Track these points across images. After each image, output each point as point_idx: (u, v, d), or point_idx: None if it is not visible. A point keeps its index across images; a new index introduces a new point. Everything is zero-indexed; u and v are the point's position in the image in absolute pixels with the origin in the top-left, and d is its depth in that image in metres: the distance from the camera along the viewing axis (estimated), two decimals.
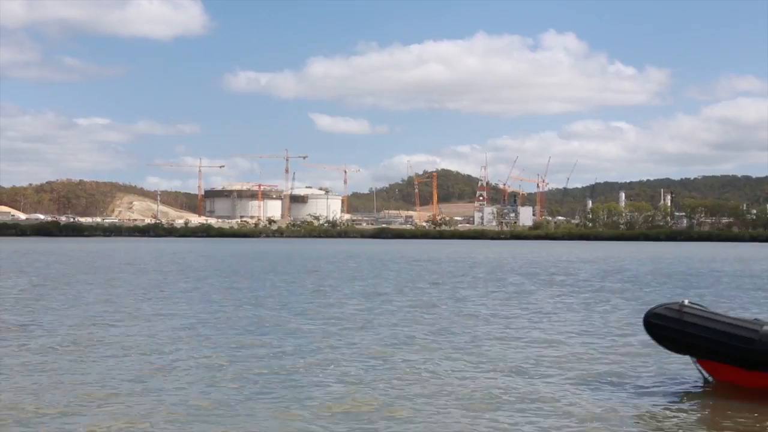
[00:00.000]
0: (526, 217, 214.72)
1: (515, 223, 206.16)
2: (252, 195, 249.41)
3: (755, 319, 10.81)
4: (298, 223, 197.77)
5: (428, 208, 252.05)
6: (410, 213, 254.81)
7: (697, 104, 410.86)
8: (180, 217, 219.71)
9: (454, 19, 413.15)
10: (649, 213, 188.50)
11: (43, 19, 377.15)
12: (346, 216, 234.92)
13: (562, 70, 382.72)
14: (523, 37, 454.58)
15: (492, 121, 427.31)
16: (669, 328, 9.43)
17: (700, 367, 9.78)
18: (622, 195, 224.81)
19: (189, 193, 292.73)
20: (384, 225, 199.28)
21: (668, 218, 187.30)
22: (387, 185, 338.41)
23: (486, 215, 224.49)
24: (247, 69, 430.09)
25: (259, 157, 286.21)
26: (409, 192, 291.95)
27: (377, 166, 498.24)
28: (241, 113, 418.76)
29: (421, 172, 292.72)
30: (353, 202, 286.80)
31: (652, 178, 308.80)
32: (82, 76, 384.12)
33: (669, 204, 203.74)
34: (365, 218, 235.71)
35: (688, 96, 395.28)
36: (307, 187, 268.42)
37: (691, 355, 9.68)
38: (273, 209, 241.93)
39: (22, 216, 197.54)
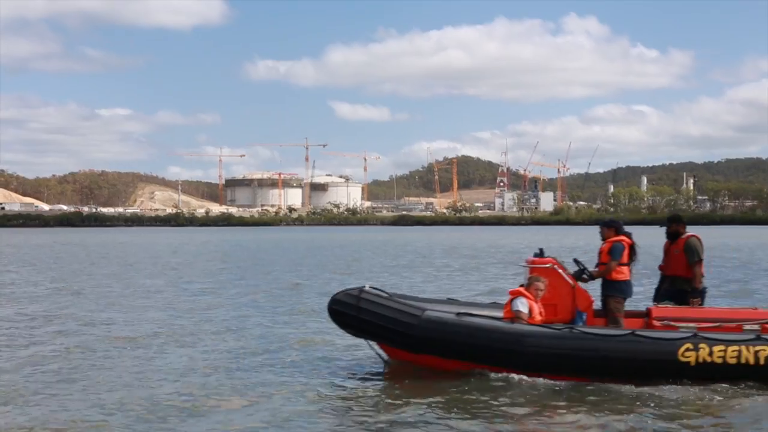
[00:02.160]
0: (547, 202, 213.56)
1: (536, 208, 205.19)
2: (272, 183, 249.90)
3: (449, 298, 11.38)
4: (318, 211, 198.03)
5: (448, 195, 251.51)
6: (430, 200, 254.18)
7: (720, 86, 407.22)
8: (201, 207, 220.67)
9: (474, 5, 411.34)
10: (671, 197, 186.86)
11: (64, 11, 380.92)
12: (367, 203, 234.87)
13: (584, 54, 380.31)
14: (543, 21, 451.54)
15: (512, 106, 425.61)
16: (347, 314, 9.65)
17: (380, 351, 10.08)
18: (644, 179, 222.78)
19: (210, 183, 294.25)
20: (404, 212, 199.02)
21: (691, 202, 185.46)
22: (407, 172, 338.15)
23: (507, 201, 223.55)
24: (266, 57, 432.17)
25: (279, 146, 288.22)
26: (429, 179, 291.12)
27: (397, 153, 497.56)
28: (261, 102, 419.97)
29: (441, 159, 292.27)
30: (373, 189, 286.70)
31: (674, 162, 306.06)
32: (103, 67, 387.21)
33: (691, 188, 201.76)
34: (385, 206, 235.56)
35: (712, 78, 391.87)
36: (327, 175, 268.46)
37: (367, 338, 9.96)
38: (293, 197, 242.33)
39: (46, 207, 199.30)
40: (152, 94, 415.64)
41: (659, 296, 10.43)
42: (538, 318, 9.35)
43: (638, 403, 8.40)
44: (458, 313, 9.48)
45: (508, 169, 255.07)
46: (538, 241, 64.19)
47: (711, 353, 8.72)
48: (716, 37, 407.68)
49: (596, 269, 10.04)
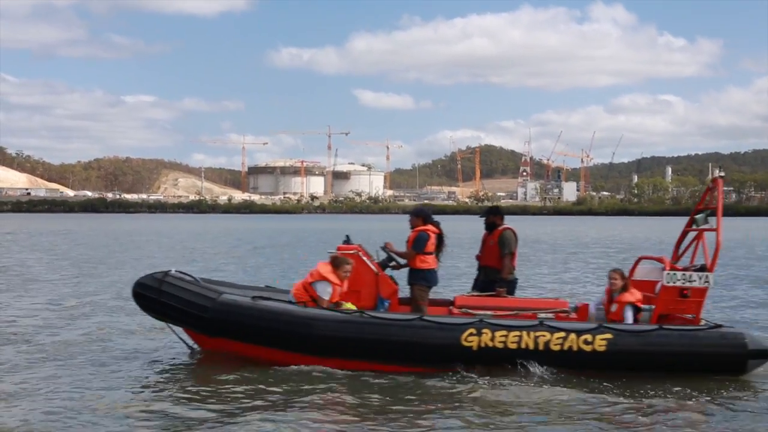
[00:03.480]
0: (570, 192, 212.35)
1: (558, 198, 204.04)
2: (295, 171, 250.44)
3: (267, 286, 11.31)
4: (340, 199, 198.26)
5: (471, 184, 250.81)
6: (453, 189, 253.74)
7: (749, 76, 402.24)
8: (224, 194, 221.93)
9: None
10: (695, 188, 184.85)
11: None
12: (389, 192, 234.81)
13: (610, 43, 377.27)
14: (569, 9, 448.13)
15: (537, 95, 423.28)
16: (149, 297, 9.58)
17: (186, 338, 10.05)
18: (669, 170, 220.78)
19: (233, 170, 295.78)
20: (426, 201, 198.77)
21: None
22: (430, 161, 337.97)
23: (529, 191, 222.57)
24: (289, 45, 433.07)
25: (302, 134, 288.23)
26: (452, 168, 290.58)
27: (421, 141, 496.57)
28: (285, 90, 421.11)
29: (464, 148, 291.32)
30: (396, 178, 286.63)
31: (700, 153, 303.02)
32: (129, 53, 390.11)
33: None
34: (408, 194, 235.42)
35: (741, 67, 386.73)
36: (349, 164, 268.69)
37: (168, 322, 9.87)
38: (316, 185, 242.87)
39: (71, 193, 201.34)
40: (177, 81, 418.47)
41: (475, 286, 10.68)
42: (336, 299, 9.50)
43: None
44: (253, 297, 9.55)
45: (531, 158, 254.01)
46: (554, 231, 63.85)
47: (493, 338, 8.99)
48: (745, 26, 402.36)
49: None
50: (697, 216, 10.07)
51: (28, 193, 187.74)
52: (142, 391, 8.36)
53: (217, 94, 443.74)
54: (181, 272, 9.84)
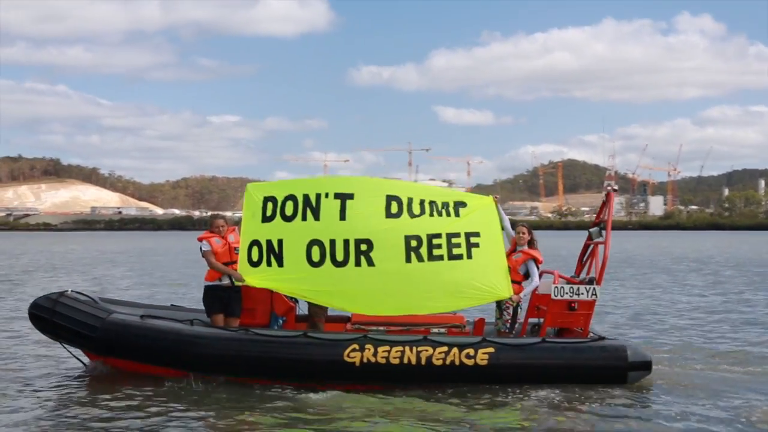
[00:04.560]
0: (656, 206, 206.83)
1: (645, 213, 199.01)
2: None
3: (172, 305, 11.39)
4: None
5: (554, 199, 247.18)
6: (535, 204, 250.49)
7: None
8: None
9: (580, 6, 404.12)
10: None
11: (178, 22, 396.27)
12: None
13: (697, 54, 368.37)
14: (654, 21, 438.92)
15: (621, 108, 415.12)
16: (43, 318, 9.55)
17: (81, 356, 10.04)
18: (762, 182, 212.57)
19: None
20: (508, 216, 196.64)
21: None
22: (511, 176, 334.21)
23: (614, 205, 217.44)
24: (370, 63, 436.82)
25: (383, 151, 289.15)
26: (534, 183, 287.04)
27: (502, 157, 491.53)
28: (366, 107, 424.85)
29: (546, 163, 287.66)
30: (476, 193, 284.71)
31: None
32: (215, 75, 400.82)
33: None
34: None
35: None
36: (430, 180, 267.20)
37: (62, 343, 9.83)
38: None
39: (160, 211, 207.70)
40: (261, 101, 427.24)
41: None
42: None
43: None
44: (142, 316, 9.53)
45: (615, 172, 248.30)
46: (644, 246, 62.24)
47: (375, 353, 8.99)
48: None
49: None
50: (591, 230, 10.22)
51: (120, 212, 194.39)
52: (29, 410, 8.36)
53: (300, 113, 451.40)
54: (77, 292, 9.87)
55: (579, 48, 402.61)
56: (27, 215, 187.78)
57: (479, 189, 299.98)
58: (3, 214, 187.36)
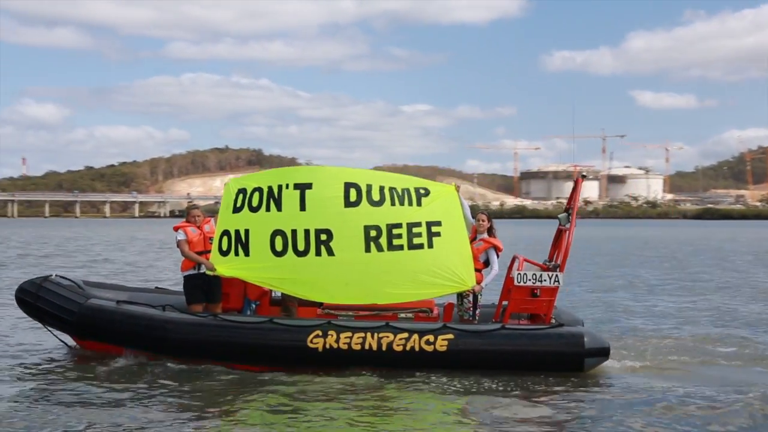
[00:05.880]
0: None
1: None
2: (568, 176, 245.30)
3: (157, 287, 11.99)
4: (616, 203, 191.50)
5: (762, 187, 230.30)
6: (741, 192, 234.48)
7: None
8: (496, 199, 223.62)
9: None
10: None
11: (371, 13, 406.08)
12: (668, 196, 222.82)
13: None
14: None
15: None
16: (27, 301, 10.02)
17: (66, 338, 10.52)
18: None
19: (505, 175, 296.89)
20: (709, 205, 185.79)
21: None
22: (715, 162, 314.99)
23: None
24: (562, 48, 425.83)
25: (575, 138, 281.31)
26: (740, 170, 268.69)
27: (704, 142, 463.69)
28: (557, 93, 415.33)
29: (755, 148, 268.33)
30: (676, 181, 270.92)
31: None
32: (407, 65, 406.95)
33: None
34: (689, 198, 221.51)
35: None
36: (625, 167, 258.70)
37: (45, 325, 10.28)
38: (590, 190, 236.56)
39: None
40: (452, 90, 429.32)
41: None
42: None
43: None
44: (118, 302, 9.94)
45: None
46: None
47: (338, 340, 9.25)
48: None
49: None
50: (560, 215, 10.21)
51: None
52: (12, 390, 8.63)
53: (491, 100, 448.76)
54: (62, 276, 10.26)
55: None
56: None
57: (679, 176, 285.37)
58: (212, 201, 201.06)
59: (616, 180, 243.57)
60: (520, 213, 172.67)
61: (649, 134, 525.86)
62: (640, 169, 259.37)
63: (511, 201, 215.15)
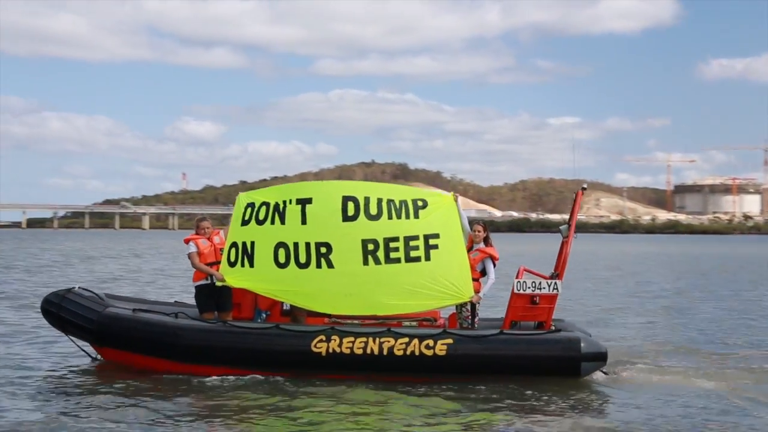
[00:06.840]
0: None
1: None
2: (726, 189, 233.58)
3: (176, 301, 12.38)
4: None
5: None
6: None
7: None
8: (647, 214, 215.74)
9: None
10: None
11: (517, 26, 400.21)
12: None
13: None
14: None
15: None
16: (52, 312, 10.52)
17: (90, 349, 10.84)
18: None
19: (657, 189, 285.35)
20: None
21: None
22: None
23: None
24: (720, 56, 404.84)
25: (734, 149, 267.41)
26: None
27: None
28: (715, 103, 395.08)
29: None
30: None
31: None
32: (552, 77, 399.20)
33: None
34: None
35: None
36: None
37: (68, 335, 10.70)
38: (750, 204, 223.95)
39: (497, 213, 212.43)
40: (600, 101, 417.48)
41: None
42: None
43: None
44: (134, 310, 10.40)
45: None
46: None
47: (341, 344, 9.61)
48: None
49: None
50: (561, 227, 10.55)
51: None
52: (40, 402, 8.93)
53: (642, 112, 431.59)
54: (84, 289, 10.78)
55: None
56: None
57: None
58: None
59: None
60: (673, 228, 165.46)
61: None
62: None
63: (663, 215, 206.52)
